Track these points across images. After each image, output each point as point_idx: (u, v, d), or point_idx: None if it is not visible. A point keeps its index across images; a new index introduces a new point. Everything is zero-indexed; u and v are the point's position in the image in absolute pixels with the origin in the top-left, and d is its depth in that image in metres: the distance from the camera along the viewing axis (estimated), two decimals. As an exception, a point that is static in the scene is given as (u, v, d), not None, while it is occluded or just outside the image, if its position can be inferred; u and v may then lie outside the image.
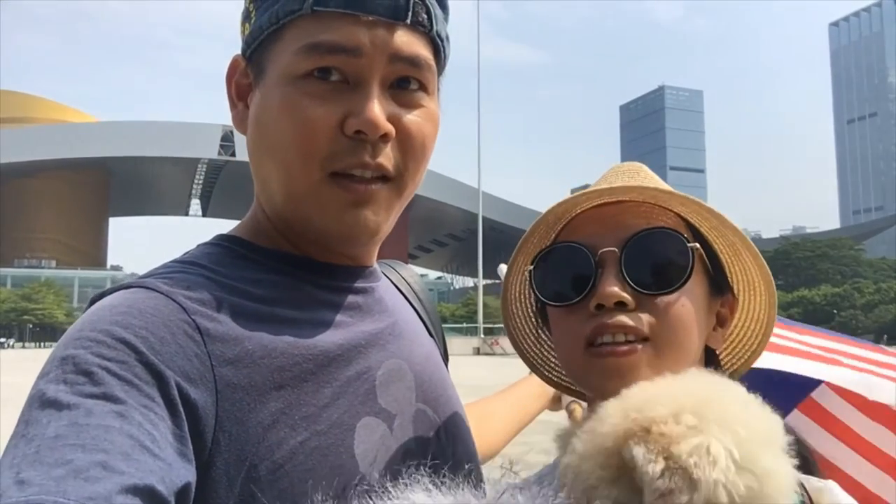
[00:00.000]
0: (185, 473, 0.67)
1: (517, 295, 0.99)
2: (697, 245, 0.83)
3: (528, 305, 1.00)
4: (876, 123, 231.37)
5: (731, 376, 0.95)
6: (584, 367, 0.82)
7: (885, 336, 74.80)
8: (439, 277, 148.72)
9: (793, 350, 1.73)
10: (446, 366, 1.19)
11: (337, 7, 0.85)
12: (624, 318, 0.79)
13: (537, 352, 1.04)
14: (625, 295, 0.79)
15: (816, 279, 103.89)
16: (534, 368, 1.06)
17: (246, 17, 0.94)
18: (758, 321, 0.95)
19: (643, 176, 0.91)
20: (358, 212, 0.88)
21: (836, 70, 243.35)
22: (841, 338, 1.84)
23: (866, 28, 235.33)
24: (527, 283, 0.95)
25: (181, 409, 0.71)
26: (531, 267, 0.88)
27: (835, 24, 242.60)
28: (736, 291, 0.92)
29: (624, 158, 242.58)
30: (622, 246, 0.82)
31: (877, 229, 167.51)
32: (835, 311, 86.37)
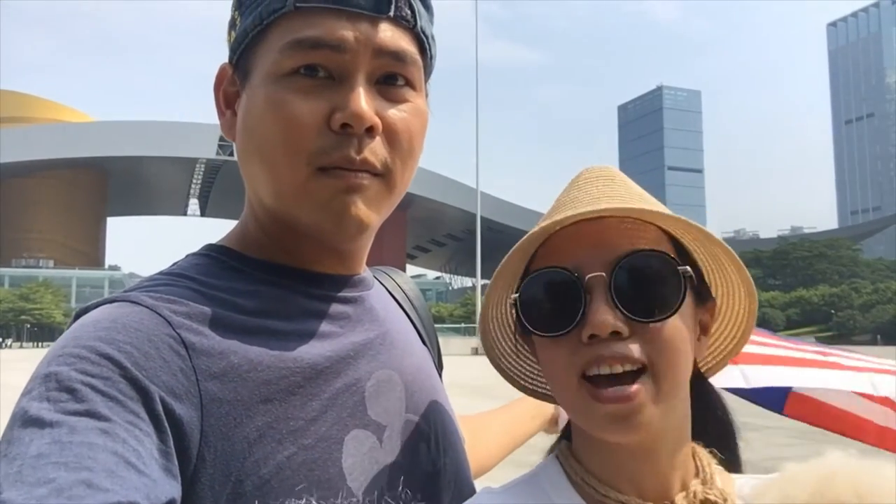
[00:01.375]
0: (171, 490, 0.67)
1: (496, 315, 0.96)
2: (688, 268, 0.81)
3: (508, 326, 0.97)
4: (874, 124, 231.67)
5: (706, 374, 0.97)
6: (583, 405, 0.79)
7: (880, 336, 74.99)
8: (438, 277, 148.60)
9: (789, 360, 1.73)
10: (440, 374, 1.17)
11: (319, 2, 0.85)
12: (620, 349, 0.76)
13: (518, 367, 1.02)
14: (619, 324, 0.76)
15: (814, 279, 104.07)
16: (513, 382, 1.03)
17: (232, 25, 0.94)
18: (737, 326, 0.94)
19: (618, 184, 0.88)
20: (347, 198, 0.87)
21: (833, 70, 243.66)
22: (828, 348, 1.86)
23: (864, 29, 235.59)
24: (509, 308, 0.93)
25: (166, 424, 0.71)
26: (516, 294, 0.85)
27: (833, 25, 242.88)
28: (716, 296, 0.92)
29: (622, 158, 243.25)
30: (610, 270, 0.79)
31: (874, 230, 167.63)
32: (832, 311, 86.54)
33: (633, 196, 0.86)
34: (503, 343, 0.99)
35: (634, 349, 0.77)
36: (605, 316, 0.76)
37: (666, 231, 0.85)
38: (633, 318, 0.77)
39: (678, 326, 0.79)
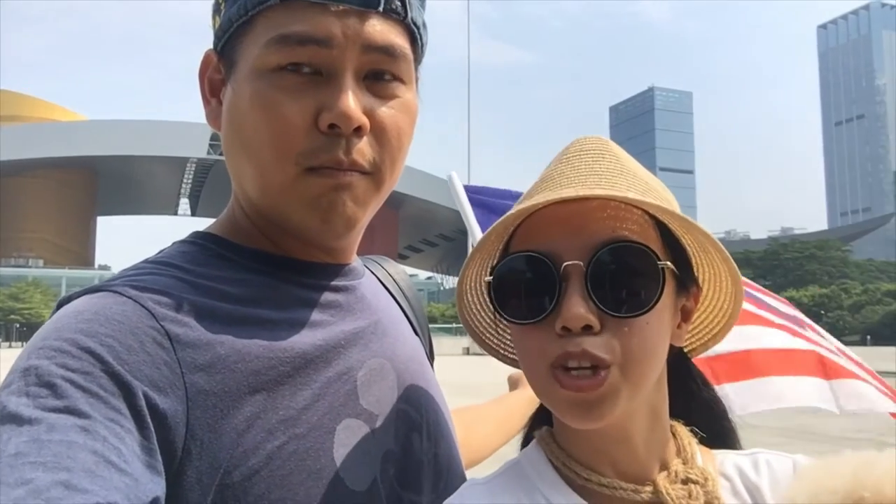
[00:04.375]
0: (154, 487, 0.65)
1: (473, 286, 0.94)
2: (668, 263, 0.79)
3: (487, 303, 0.94)
4: (863, 125, 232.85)
5: (690, 354, 0.97)
6: (549, 390, 0.78)
7: (870, 337, 75.37)
8: (429, 277, 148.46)
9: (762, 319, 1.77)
10: (432, 365, 1.15)
11: None
12: (590, 347, 0.74)
13: (497, 341, 1.00)
14: (591, 317, 0.74)
15: (804, 280, 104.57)
16: (494, 353, 1.01)
17: (216, 9, 0.91)
18: (722, 310, 0.92)
19: (608, 159, 0.85)
20: (335, 196, 0.85)
21: (824, 72, 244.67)
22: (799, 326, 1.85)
23: (854, 31, 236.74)
24: (485, 287, 0.91)
25: (149, 420, 0.69)
26: (489, 278, 0.83)
27: (823, 27, 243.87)
28: (701, 282, 0.89)
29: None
30: (588, 260, 0.76)
31: (864, 231, 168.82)
32: (822, 312, 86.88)
33: (623, 174, 0.83)
34: (482, 316, 0.97)
35: (604, 346, 0.75)
36: (579, 309, 0.74)
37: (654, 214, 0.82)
38: (607, 311, 0.75)
39: (653, 321, 0.77)
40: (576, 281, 0.76)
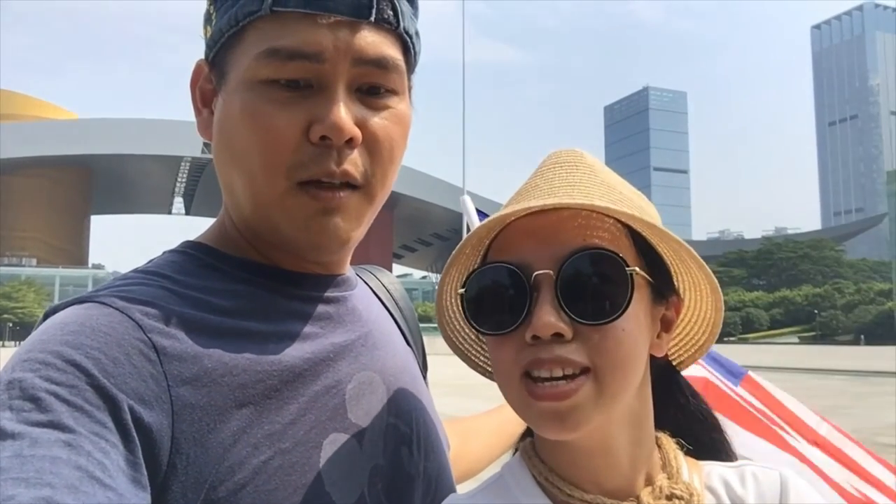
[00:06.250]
0: (139, 502, 0.65)
1: (452, 303, 0.94)
2: (636, 269, 0.77)
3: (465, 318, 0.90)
4: (857, 126, 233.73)
5: (678, 367, 0.96)
6: (522, 401, 0.77)
7: (863, 336, 75.64)
8: (424, 277, 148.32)
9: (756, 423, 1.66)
10: (425, 376, 1.15)
11: (297, 7, 0.81)
12: (561, 353, 0.74)
13: (485, 360, 0.98)
14: (561, 325, 0.74)
15: (798, 280, 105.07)
16: (482, 371, 0.99)
17: (207, 19, 0.91)
18: (705, 320, 0.92)
19: (582, 171, 0.84)
20: (326, 220, 0.85)
21: (817, 72, 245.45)
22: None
23: (848, 31, 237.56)
24: (459, 305, 0.89)
25: (134, 434, 0.68)
26: (462, 290, 0.83)
27: (817, 27, 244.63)
28: (681, 291, 0.89)
29: (608, 158, 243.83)
30: (558, 269, 0.76)
31: (857, 230, 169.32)
32: (816, 312, 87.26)
33: (597, 185, 0.82)
34: (465, 333, 0.97)
35: (575, 353, 0.74)
36: (548, 317, 0.74)
37: (627, 223, 0.81)
38: (577, 319, 0.75)
39: (625, 328, 0.76)
40: (546, 290, 0.76)
